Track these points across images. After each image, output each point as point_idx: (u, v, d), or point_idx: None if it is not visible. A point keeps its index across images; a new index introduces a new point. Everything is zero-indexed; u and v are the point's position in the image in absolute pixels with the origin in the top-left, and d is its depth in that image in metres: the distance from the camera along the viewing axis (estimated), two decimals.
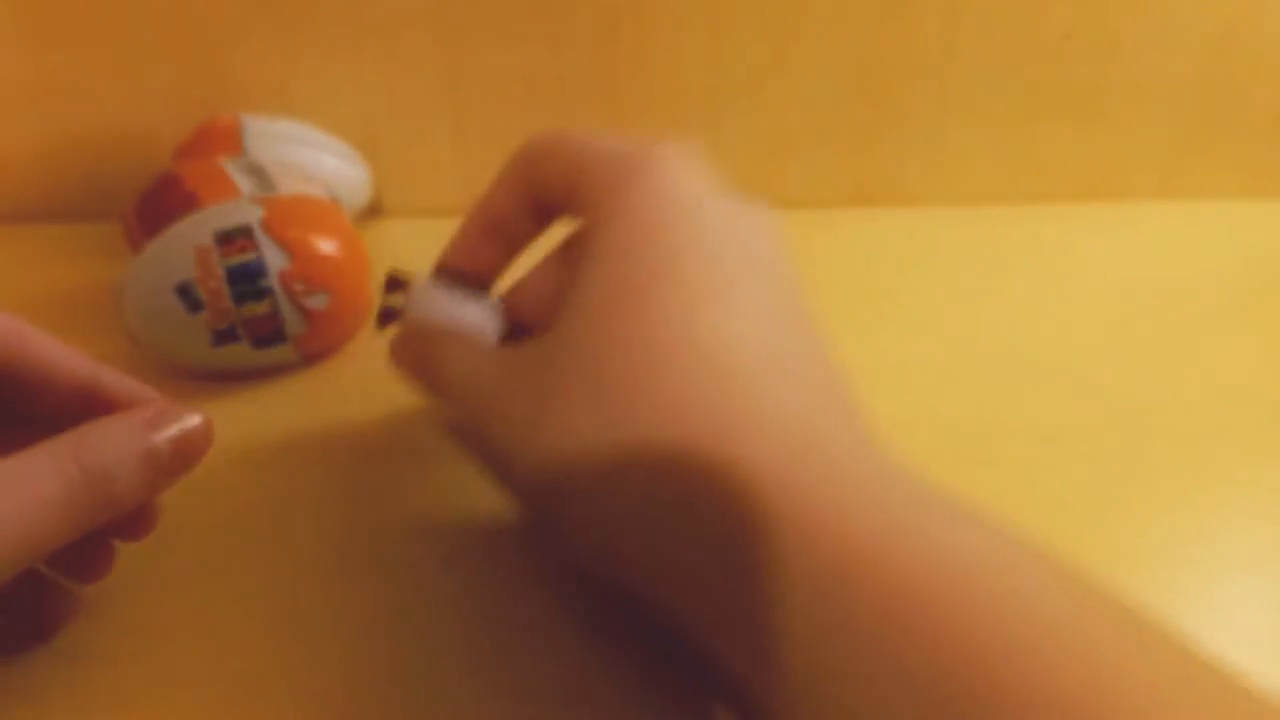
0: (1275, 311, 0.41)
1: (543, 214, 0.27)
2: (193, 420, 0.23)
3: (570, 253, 0.25)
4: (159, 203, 0.39)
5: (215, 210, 0.36)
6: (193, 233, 0.35)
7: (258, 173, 0.39)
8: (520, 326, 0.27)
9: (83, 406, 0.24)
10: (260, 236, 0.35)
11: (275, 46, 0.47)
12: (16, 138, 0.50)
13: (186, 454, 0.23)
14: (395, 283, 0.28)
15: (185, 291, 0.34)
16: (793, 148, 0.50)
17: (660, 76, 0.48)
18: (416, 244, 0.31)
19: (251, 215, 0.35)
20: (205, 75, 0.48)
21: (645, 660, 0.25)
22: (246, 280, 0.34)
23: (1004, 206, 0.50)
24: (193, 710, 0.24)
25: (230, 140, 0.44)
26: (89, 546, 0.26)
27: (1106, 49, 0.47)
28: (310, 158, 0.45)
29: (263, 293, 0.34)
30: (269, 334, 0.35)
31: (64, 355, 0.24)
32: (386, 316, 0.29)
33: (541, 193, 0.26)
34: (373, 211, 0.50)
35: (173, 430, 0.23)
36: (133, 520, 0.26)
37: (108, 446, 0.21)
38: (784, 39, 0.47)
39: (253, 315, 0.35)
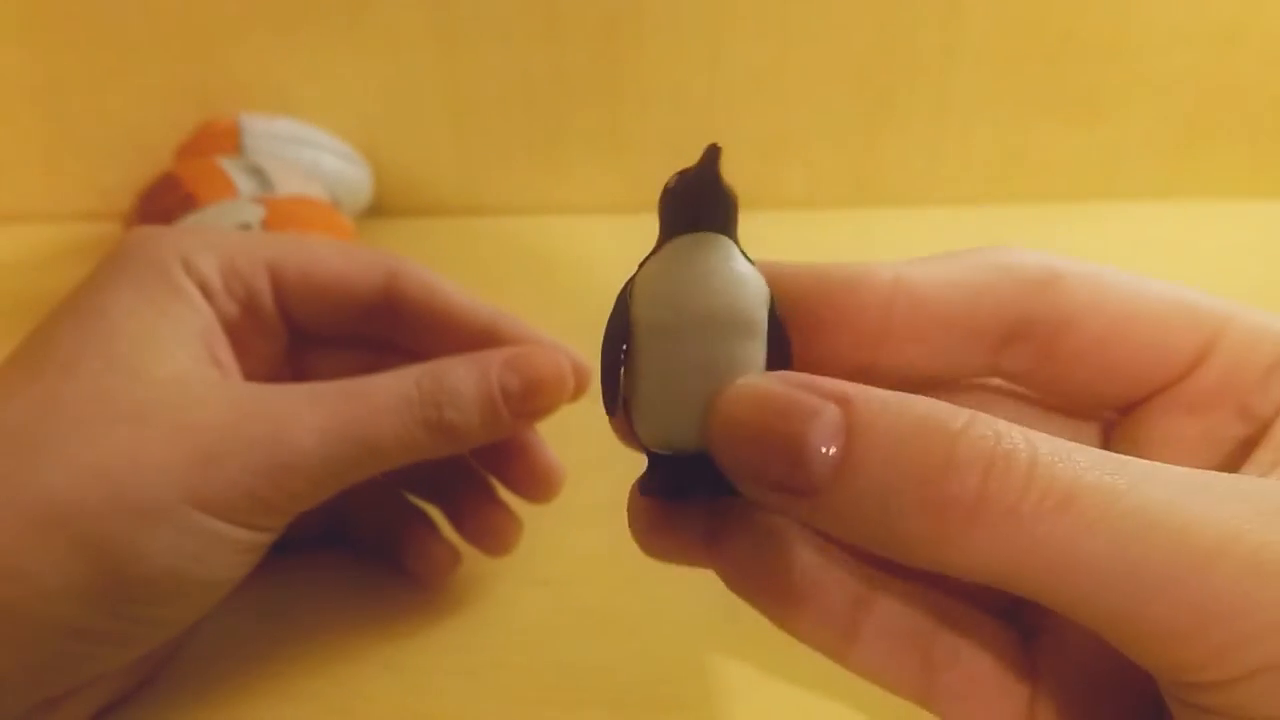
0: (1275, 311, 0.41)
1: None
2: (546, 368, 0.24)
3: None
4: (159, 203, 0.39)
5: (215, 210, 0.36)
6: None
7: (257, 173, 0.39)
8: None
9: (480, 349, 0.24)
10: None
11: (275, 46, 0.47)
12: (17, 137, 0.50)
13: (535, 398, 0.23)
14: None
15: None
16: (793, 148, 0.50)
17: (660, 76, 0.48)
18: (417, 244, 0.31)
19: (251, 215, 0.35)
20: (205, 75, 0.48)
21: (646, 660, 0.25)
22: None
23: (1004, 206, 0.50)
24: (192, 709, 0.24)
25: (230, 140, 0.44)
26: (490, 510, 0.26)
27: (1106, 49, 0.47)
28: (310, 158, 0.45)
29: None
30: None
31: (464, 302, 0.25)
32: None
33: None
34: (373, 211, 0.50)
35: (520, 373, 0.23)
36: (531, 479, 0.26)
37: (448, 376, 0.23)
38: (784, 39, 0.47)
39: None
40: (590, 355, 0.26)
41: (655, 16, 0.47)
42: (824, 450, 0.13)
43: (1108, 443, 0.19)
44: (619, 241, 0.47)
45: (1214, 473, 0.13)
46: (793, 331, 0.16)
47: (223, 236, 0.25)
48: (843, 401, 0.14)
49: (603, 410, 0.17)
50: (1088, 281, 0.17)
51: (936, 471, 0.13)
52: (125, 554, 0.19)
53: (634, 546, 0.29)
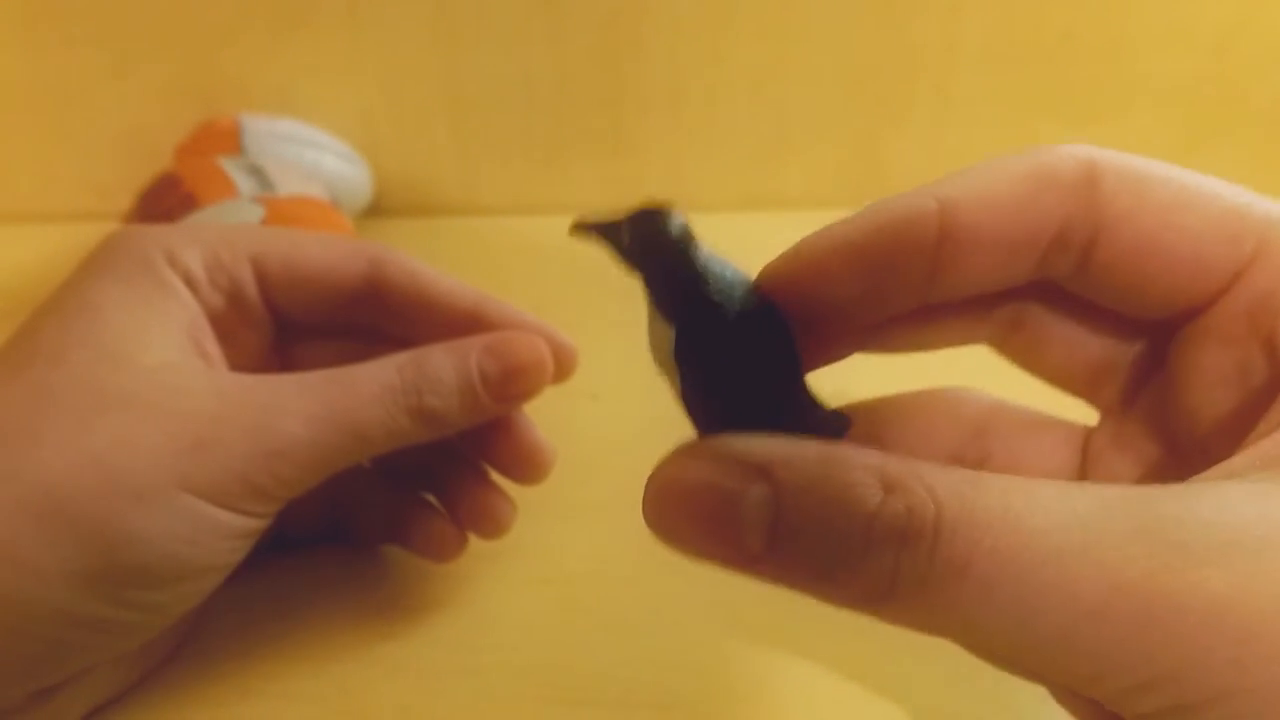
0: None
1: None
2: (525, 352, 0.24)
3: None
4: (159, 202, 0.39)
5: (215, 210, 0.36)
6: None
7: (257, 173, 0.39)
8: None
9: (466, 334, 0.25)
10: None
11: (275, 46, 0.47)
12: (16, 137, 0.50)
13: (514, 382, 0.24)
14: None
15: None
16: (793, 148, 0.50)
17: (660, 76, 0.48)
18: (417, 244, 0.31)
19: (251, 215, 0.35)
20: (205, 75, 0.48)
21: (646, 660, 0.25)
22: None
23: None
24: (193, 709, 0.24)
25: (230, 140, 0.44)
26: (482, 493, 0.26)
27: (1106, 49, 0.47)
28: (310, 158, 0.45)
29: None
30: None
31: (448, 287, 0.25)
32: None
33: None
34: (373, 211, 0.50)
35: (499, 358, 0.24)
36: (520, 461, 0.26)
37: (429, 363, 0.23)
38: (784, 39, 0.47)
39: None
40: (586, 350, 0.26)
41: (655, 17, 0.47)
42: (754, 533, 0.14)
43: (1158, 360, 0.18)
44: None
45: (1132, 496, 0.13)
46: (790, 307, 0.16)
47: (206, 230, 0.25)
48: (766, 474, 0.14)
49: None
50: (1128, 184, 0.17)
51: (857, 555, 0.13)
52: (119, 538, 0.19)
53: (634, 546, 0.29)
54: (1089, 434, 0.20)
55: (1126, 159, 0.17)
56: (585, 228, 0.16)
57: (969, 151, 0.49)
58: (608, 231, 0.16)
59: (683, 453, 0.15)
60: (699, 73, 0.48)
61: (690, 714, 0.24)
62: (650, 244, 0.15)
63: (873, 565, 0.13)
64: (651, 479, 0.15)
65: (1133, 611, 0.12)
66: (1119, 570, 0.13)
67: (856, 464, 0.14)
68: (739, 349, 0.15)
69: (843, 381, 0.19)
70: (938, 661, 0.25)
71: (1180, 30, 0.47)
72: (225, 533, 0.21)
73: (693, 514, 0.14)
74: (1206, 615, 0.12)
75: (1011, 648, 0.13)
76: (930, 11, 0.46)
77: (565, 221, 0.28)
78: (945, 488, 0.13)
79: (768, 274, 0.17)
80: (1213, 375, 0.17)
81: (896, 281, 0.17)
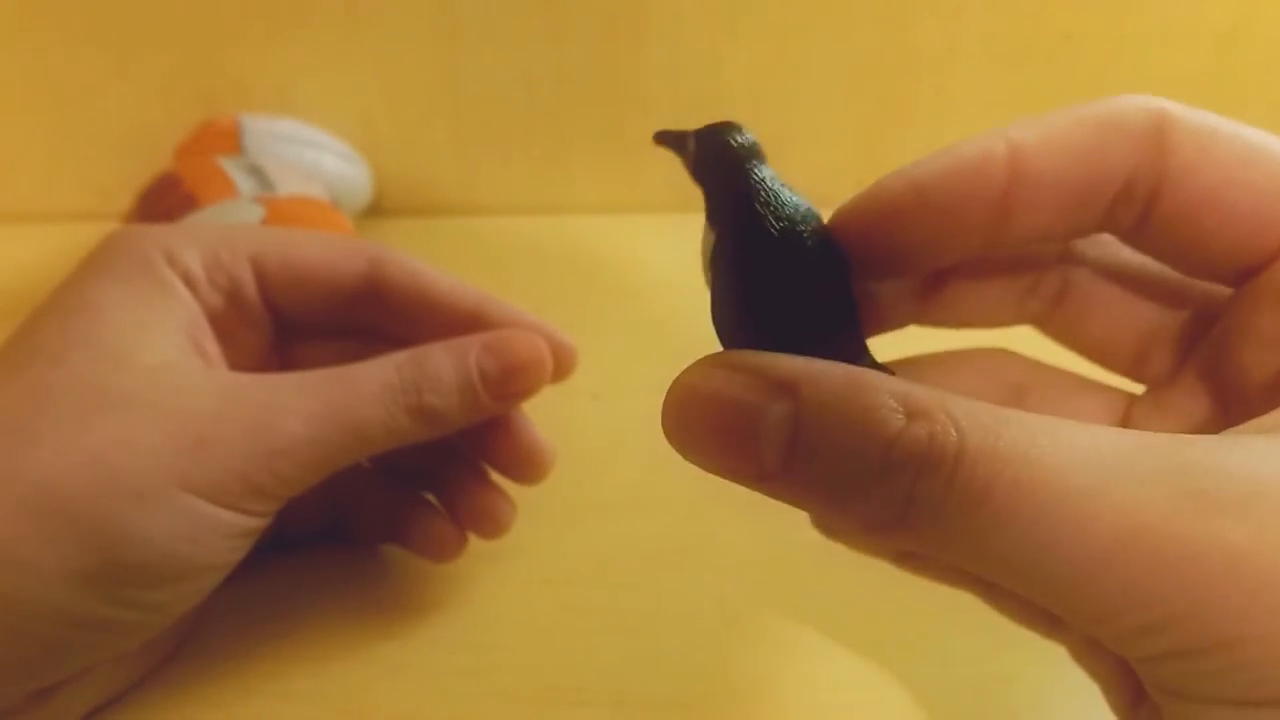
0: None
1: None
2: (524, 351, 0.24)
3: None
4: (159, 203, 0.39)
5: (215, 210, 0.36)
6: None
7: (257, 173, 0.39)
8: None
9: (465, 333, 0.25)
10: None
11: (275, 46, 0.47)
12: (16, 137, 0.50)
13: (513, 381, 0.24)
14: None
15: None
16: (793, 148, 0.50)
17: (660, 76, 0.48)
18: (417, 244, 0.31)
19: (251, 215, 0.35)
20: (205, 75, 0.48)
21: (646, 660, 0.25)
22: None
23: None
24: (193, 709, 0.24)
25: (230, 140, 0.44)
26: (482, 493, 0.27)
27: (1106, 49, 0.47)
28: (310, 158, 0.45)
29: None
30: None
31: (448, 286, 0.25)
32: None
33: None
34: (372, 211, 0.50)
35: (498, 356, 0.24)
36: (519, 460, 0.26)
37: (428, 361, 0.23)
38: (784, 39, 0.47)
39: None
40: (586, 350, 0.26)
41: (656, 16, 0.47)
42: (771, 450, 0.14)
43: (1204, 327, 0.18)
44: (619, 241, 0.47)
45: (1158, 442, 0.13)
46: (852, 248, 0.16)
47: (205, 229, 0.25)
48: (790, 390, 0.14)
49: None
50: (1196, 137, 0.16)
51: (873, 477, 0.13)
52: (119, 537, 0.19)
53: (634, 547, 0.29)
54: (1131, 401, 0.20)
55: (1196, 112, 0.17)
56: (659, 136, 0.16)
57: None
58: (676, 141, 0.16)
59: (707, 362, 0.15)
60: (699, 73, 0.48)
61: (690, 714, 0.24)
62: (711, 152, 0.15)
63: (887, 490, 0.13)
64: (673, 386, 0.15)
65: (1147, 554, 0.12)
66: (1137, 513, 0.13)
67: (882, 389, 0.14)
68: (780, 266, 0.15)
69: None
70: (939, 662, 0.25)
71: (1181, 30, 0.47)
72: (225, 532, 0.21)
73: (711, 424, 0.14)
74: (1222, 564, 0.12)
75: (1022, 580, 0.13)
76: (930, 11, 0.46)
77: (565, 221, 0.28)
78: (969, 419, 0.13)
79: (840, 211, 0.17)
80: (1267, 335, 0.17)
81: (965, 223, 0.17)
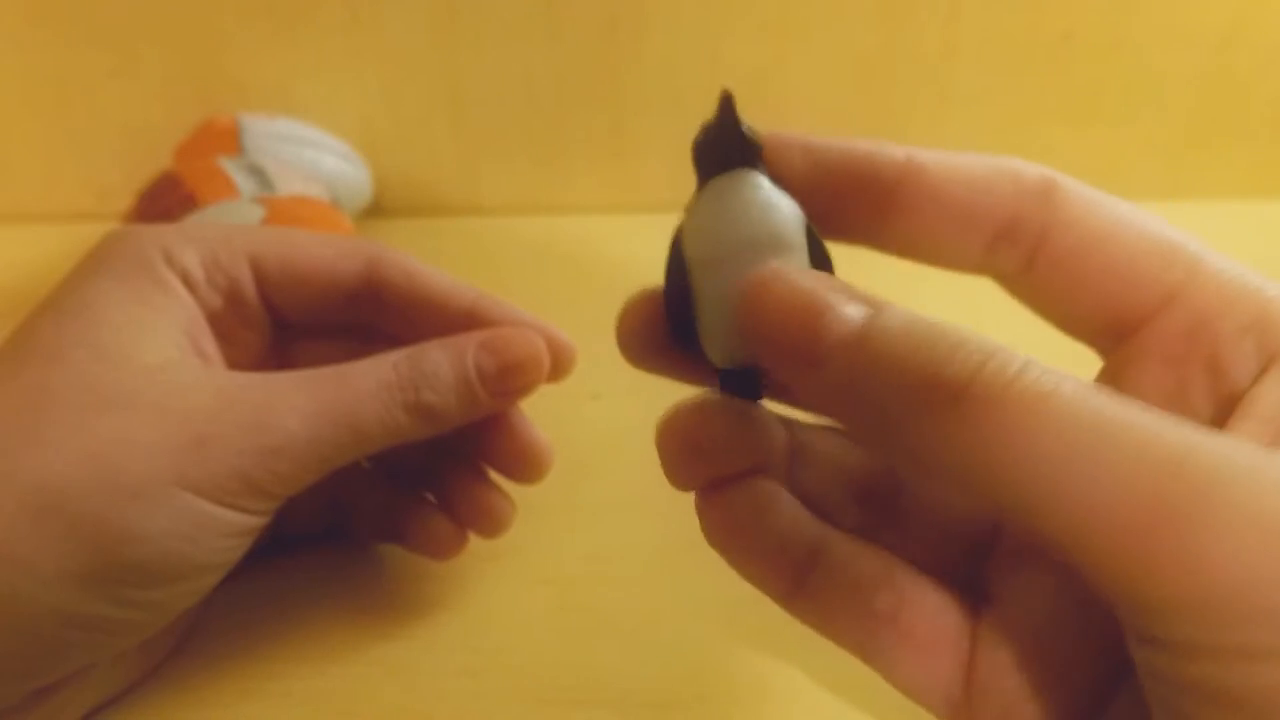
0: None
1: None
2: (521, 348, 0.24)
3: None
4: (159, 203, 0.39)
5: (215, 210, 0.36)
6: None
7: (257, 173, 0.39)
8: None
9: (463, 332, 0.25)
10: None
11: (275, 46, 0.47)
12: (16, 137, 0.50)
13: (510, 378, 0.24)
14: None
15: None
16: None
17: (660, 76, 0.48)
18: (417, 244, 0.31)
19: (251, 215, 0.35)
20: (205, 75, 0.48)
21: (646, 660, 0.25)
22: None
23: None
24: (193, 709, 0.24)
25: (230, 140, 0.44)
26: (481, 492, 0.27)
27: (1106, 49, 0.47)
28: (310, 158, 0.45)
29: None
30: None
31: (446, 285, 0.26)
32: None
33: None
34: (373, 211, 0.50)
35: (496, 354, 0.24)
36: (517, 459, 0.26)
37: (425, 359, 0.23)
38: (784, 39, 0.47)
39: None
40: (586, 350, 0.26)
41: (656, 16, 0.47)
42: (839, 324, 0.15)
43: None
44: (619, 241, 0.47)
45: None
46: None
47: (204, 230, 0.25)
48: (874, 304, 0.15)
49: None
50: (1081, 197, 0.18)
51: (940, 355, 0.14)
52: (118, 536, 0.19)
53: (634, 546, 0.29)
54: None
55: (1082, 185, 0.18)
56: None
57: (969, 151, 0.49)
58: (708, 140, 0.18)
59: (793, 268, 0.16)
60: (699, 73, 0.48)
61: (690, 714, 0.24)
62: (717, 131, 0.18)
63: (950, 368, 0.14)
64: (758, 272, 0.16)
65: (1215, 465, 0.12)
66: (1202, 442, 0.13)
67: (971, 338, 0.14)
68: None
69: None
70: None
71: (1181, 30, 0.47)
72: (224, 530, 0.21)
73: (786, 306, 0.15)
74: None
75: (1070, 489, 0.13)
76: (930, 11, 0.46)
77: (565, 221, 0.28)
78: (1030, 358, 0.14)
79: (770, 133, 0.18)
80: (1154, 394, 0.18)
81: (853, 200, 0.18)
